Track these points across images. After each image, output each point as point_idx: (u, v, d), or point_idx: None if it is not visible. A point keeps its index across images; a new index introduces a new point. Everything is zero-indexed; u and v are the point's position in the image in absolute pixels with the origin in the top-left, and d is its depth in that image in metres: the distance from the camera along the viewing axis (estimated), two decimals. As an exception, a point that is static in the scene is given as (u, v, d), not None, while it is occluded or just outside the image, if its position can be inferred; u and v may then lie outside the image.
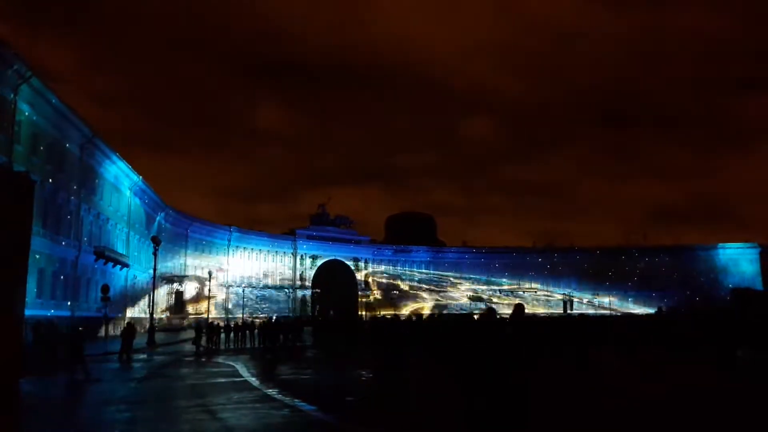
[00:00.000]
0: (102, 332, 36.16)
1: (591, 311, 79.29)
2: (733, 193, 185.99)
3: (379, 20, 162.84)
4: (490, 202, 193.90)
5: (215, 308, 71.18)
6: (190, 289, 69.53)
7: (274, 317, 55.75)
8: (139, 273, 52.83)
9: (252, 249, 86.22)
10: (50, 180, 33.77)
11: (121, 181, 47.99)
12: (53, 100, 33.58)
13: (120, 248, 47.34)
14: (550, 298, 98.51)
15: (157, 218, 59.72)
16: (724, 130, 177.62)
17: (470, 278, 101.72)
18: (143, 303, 53.88)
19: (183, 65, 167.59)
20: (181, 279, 67.51)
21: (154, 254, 38.56)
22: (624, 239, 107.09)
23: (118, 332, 31.76)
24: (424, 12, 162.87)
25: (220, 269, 77.13)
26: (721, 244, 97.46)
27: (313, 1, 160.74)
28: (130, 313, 49.04)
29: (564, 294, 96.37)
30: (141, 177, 50.57)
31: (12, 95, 29.08)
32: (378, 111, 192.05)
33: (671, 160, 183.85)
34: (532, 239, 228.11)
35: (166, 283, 64.17)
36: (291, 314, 79.14)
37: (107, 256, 42.58)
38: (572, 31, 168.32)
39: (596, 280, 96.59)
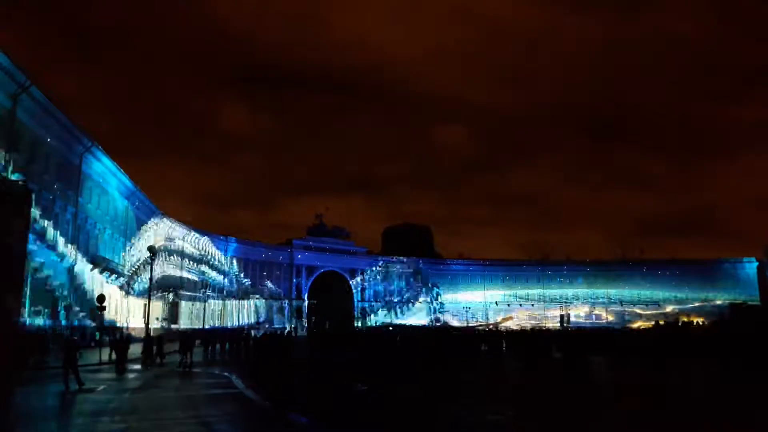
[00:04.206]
0: (97, 342, 35.90)
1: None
2: (719, 204, 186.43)
3: (349, 27, 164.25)
4: (472, 213, 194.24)
5: (211, 319, 70.77)
6: (186, 299, 69.12)
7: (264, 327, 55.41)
8: (134, 282, 52.49)
9: (248, 259, 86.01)
10: (47, 188, 33.72)
11: (116, 188, 47.92)
12: (52, 110, 33.63)
13: (115, 257, 47.17)
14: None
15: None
16: (708, 140, 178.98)
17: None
18: (139, 313, 53.53)
19: (154, 71, 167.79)
20: (177, 289, 67.09)
21: (150, 264, 38.42)
22: (620, 251, 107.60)
23: (113, 342, 31.50)
24: (393, 18, 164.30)
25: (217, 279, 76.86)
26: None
27: (282, 11, 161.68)
28: (126, 323, 48.71)
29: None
30: (138, 186, 50.56)
31: (11, 104, 29.14)
32: (354, 118, 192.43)
33: (653, 170, 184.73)
34: (521, 250, 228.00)
35: (161, 293, 63.78)
36: (287, 325, 78.85)
37: (103, 265, 42.42)
38: (545, 37, 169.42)
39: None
